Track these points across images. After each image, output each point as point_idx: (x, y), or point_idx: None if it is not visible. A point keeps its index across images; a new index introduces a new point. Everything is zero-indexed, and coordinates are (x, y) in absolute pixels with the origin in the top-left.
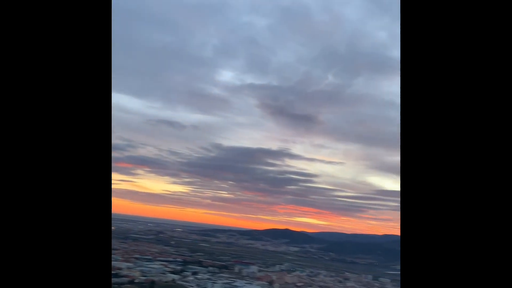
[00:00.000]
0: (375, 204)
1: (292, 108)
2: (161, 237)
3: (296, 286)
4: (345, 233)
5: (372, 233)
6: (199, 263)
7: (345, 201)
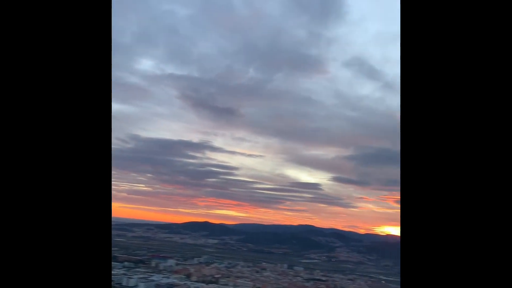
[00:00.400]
0: (291, 196)
1: (213, 100)
2: None
3: (214, 277)
4: (263, 224)
5: (288, 224)
6: (114, 258)
7: (264, 193)
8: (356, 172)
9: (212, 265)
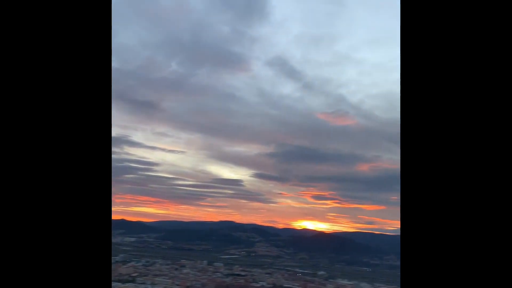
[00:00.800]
0: (212, 192)
1: (133, 93)
2: None
3: (131, 276)
4: (183, 221)
5: (209, 220)
6: None
7: (185, 189)
8: (276, 169)
9: (129, 264)
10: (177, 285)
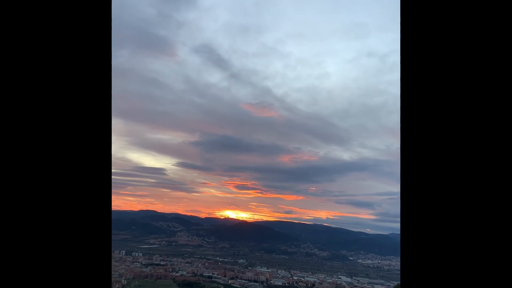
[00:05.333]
0: (133, 181)
1: None
2: None
3: None
4: None
5: (129, 209)
6: None
7: None
8: (200, 158)
9: None
10: None
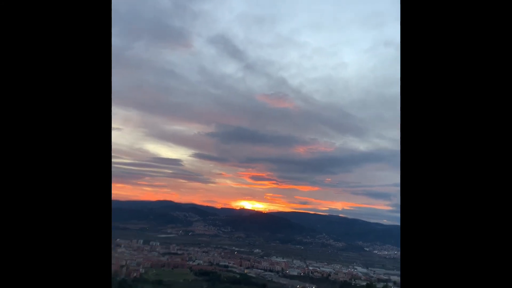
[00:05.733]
0: (150, 171)
1: None
2: None
3: None
4: (119, 200)
5: (146, 199)
6: None
7: (122, 168)
8: (216, 149)
9: None
10: (112, 264)
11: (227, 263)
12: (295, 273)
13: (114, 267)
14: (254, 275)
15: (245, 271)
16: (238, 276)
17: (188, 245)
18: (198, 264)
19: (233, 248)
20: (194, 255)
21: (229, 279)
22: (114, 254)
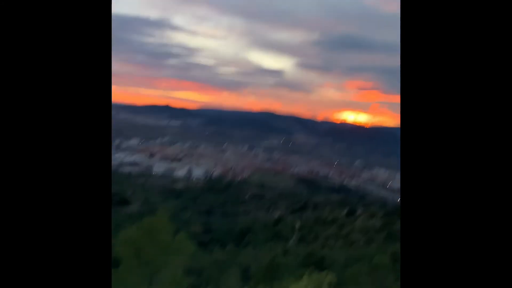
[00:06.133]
0: (254, 81)
1: None
2: None
3: (177, 157)
4: (224, 109)
5: (250, 108)
6: None
7: (227, 77)
8: (320, 58)
9: (175, 146)
10: (219, 167)
11: (327, 173)
12: (397, 187)
13: (222, 170)
14: (353, 186)
15: (345, 181)
16: (337, 186)
17: (289, 153)
18: (299, 171)
19: (334, 158)
20: (295, 163)
21: (329, 188)
22: (222, 158)
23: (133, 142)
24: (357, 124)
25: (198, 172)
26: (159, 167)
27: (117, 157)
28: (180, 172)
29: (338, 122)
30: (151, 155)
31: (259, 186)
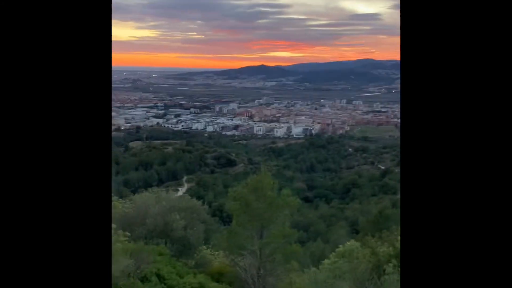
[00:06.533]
0: (348, 30)
1: None
2: (138, 84)
3: (275, 117)
4: (319, 63)
5: (346, 59)
6: (180, 106)
7: (319, 29)
8: None
9: (272, 106)
10: (318, 123)
11: None
12: None
13: (321, 126)
14: None
15: None
16: None
17: (392, 102)
18: None
19: None
20: (399, 112)
21: None
22: (320, 114)
23: (233, 106)
24: None
25: (297, 130)
26: (259, 128)
27: (220, 122)
28: (280, 131)
29: None
30: (251, 117)
31: (362, 139)
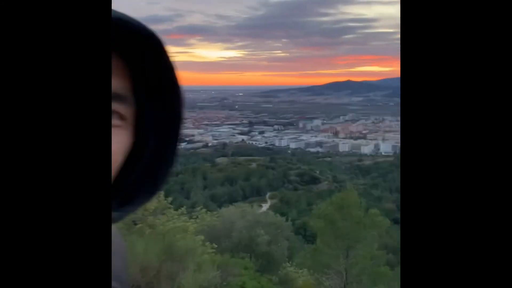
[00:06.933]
0: None
1: None
2: (225, 103)
3: (361, 133)
4: None
5: None
6: (264, 123)
7: None
8: None
9: (358, 122)
10: None
11: None
12: None
13: None
14: None
15: None
16: None
17: None
18: None
19: None
20: None
21: None
22: None
23: (317, 122)
24: None
25: (386, 147)
26: (344, 145)
27: (304, 138)
28: (367, 148)
29: None
30: (336, 134)
31: None
